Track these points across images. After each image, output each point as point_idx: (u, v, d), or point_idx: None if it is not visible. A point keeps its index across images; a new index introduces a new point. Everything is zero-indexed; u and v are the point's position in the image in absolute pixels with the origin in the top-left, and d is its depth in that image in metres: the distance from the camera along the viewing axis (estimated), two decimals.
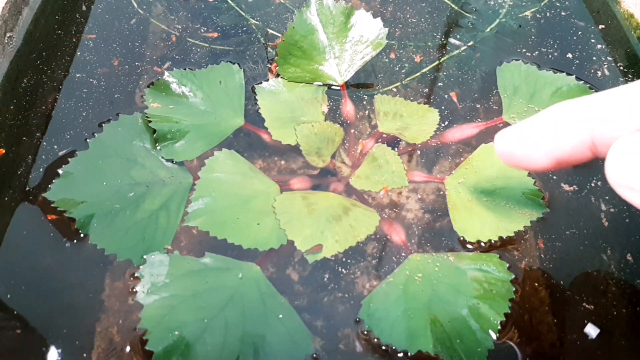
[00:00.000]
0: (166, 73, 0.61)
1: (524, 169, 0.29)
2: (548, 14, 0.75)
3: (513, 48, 0.70)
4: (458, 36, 0.72)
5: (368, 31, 0.64)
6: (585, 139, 0.25)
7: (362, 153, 0.59)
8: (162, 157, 0.55)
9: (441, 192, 0.57)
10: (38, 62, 0.66)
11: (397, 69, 0.68)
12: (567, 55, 0.69)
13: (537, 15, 0.74)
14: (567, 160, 0.26)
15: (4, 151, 0.54)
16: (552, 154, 0.26)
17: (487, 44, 0.71)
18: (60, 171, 0.52)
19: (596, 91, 0.62)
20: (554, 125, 0.26)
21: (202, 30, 0.71)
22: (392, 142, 0.60)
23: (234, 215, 0.50)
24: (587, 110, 0.25)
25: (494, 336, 0.45)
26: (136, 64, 0.67)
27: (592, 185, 0.57)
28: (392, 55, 0.69)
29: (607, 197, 0.56)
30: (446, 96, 0.65)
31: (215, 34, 0.68)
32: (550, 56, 0.69)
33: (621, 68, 0.68)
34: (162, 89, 0.60)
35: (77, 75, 0.65)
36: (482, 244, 0.52)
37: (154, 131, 0.55)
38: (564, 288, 0.50)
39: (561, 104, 0.26)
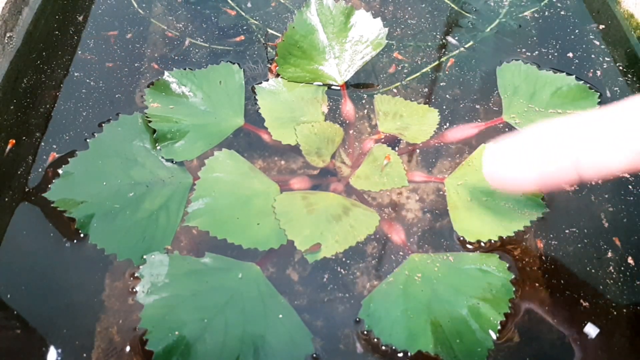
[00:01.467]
0: (166, 73, 0.61)
1: (513, 191, 0.31)
2: (548, 14, 0.75)
3: (513, 48, 0.70)
4: (457, 37, 0.72)
5: (368, 31, 0.64)
6: (569, 165, 0.25)
7: (362, 153, 0.59)
8: (162, 157, 0.55)
9: (441, 192, 0.57)
10: (38, 62, 0.66)
11: (397, 69, 0.68)
12: (567, 55, 0.69)
13: (537, 15, 0.74)
14: (554, 184, 0.27)
15: (14, 142, 0.54)
16: (541, 178, 0.27)
17: (487, 44, 0.71)
18: (60, 171, 0.52)
19: (596, 91, 0.62)
20: (540, 150, 0.27)
21: (226, 35, 0.71)
22: (392, 142, 0.60)
23: (234, 215, 0.50)
24: (571, 136, 0.26)
25: (494, 336, 0.45)
26: (136, 64, 0.67)
27: (593, 184, 0.57)
28: (397, 56, 0.69)
29: (607, 197, 0.56)
30: (447, 96, 0.65)
31: (242, 37, 0.68)
32: (550, 56, 0.69)
33: (621, 68, 0.68)
34: (162, 89, 0.60)
35: (77, 75, 0.65)
36: (482, 244, 0.52)
37: (154, 131, 0.55)
38: (564, 288, 0.50)
39: (544, 126, 0.27)
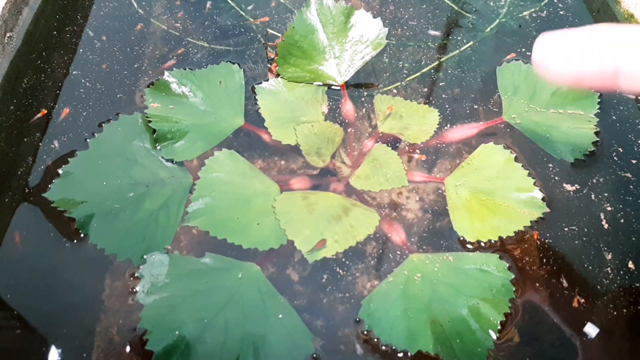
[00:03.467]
0: (166, 73, 0.61)
1: (555, 82, 0.31)
2: (548, 14, 0.75)
3: (513, 48, 0.70)
4: (458, 37, 0.72)
5: (368, 31, 0.64)
6: (611, 69, 0.26)
7: (362, 153, 0.59)
8: (162, 157, 0.55)
9: (441, 192, 0.57)
10: (38, 62, 0.66)
11: (397, 68, 0.68)
12: None
13: (537, 15, 0.74)
14: (591, 83, 0.28)
15: (45, 112, 0.54)
16: (580, 75, 0.27)
17: (487, 44, 0.71)
18: (60, 171, 0.52)
19: (596, 91, 0.62)
20: (589, 47, 0.27)
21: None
22: (392, 142, 0.60)
23: (233, 215, 0.50)
24: (618, 41, 0.26)
25: (494, 336, 0.45)
26: (136, 64, 0.67)
27: (593, 184, 0.57)
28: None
29: (607, 197, 0.56)
30: (447, 96, 0.65)
31: (267, 18, 0.68)
32: None
33: None
34: (162, 89, 0.60)
35: (77, 75, 0.65)
36: (482, 244, 0.52)
37: (154, 131, 0.55)
38: (564, 288, 0.50)
39: (600, 28, 0.27)
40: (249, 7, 0.74)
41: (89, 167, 0.53)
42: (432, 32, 0.73)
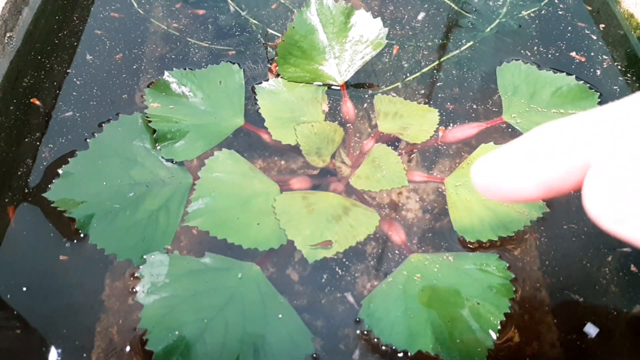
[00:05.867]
0: (166, 73, 0.61)
1: (508, 202, 0.26)
2: (548, 14, 0.75)
3: (513, 48, 0.70)
4: (458, 37, 0.72)
5: (368, 31, 0.64)
6: (579, 164, 0.22)
7: (362, 153, 0.59)
8: (162, 157, 0.55)
9: (441, 192, 0.57)
10: (38, 62, 0.66)
11: (397, 68, 0.68)
12: (567, 55, 0.69)
13: (537, 15, 0.74)
14: (560, 189, 0.25)
15: (36, 100, 0.53)
16: (544, 183, 0.24)
17: (487, 44, 0.71)
18: (60, 171, 0.52)
19: (596, 91, 0.62)
20: (544, 150, 0.24)
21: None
22: (392, 142, 0.60)
23: (234, 215, 0.50)
24: (581, 134, 0.23)
25: (494, 336, 0.45)
26: (136, 64, 0.67)
27: None
28: (395, 51, 0.69)
29: None
30: (447, 96, 0.65)
31: (276, 5, 0.67)
32: (550, 56, 0.69)
33: (621, 68, 0.68)
34: (162, 89, 0.60)
35: (77, 75, 0.65)
36: (482, 244, 0.52)
37: (154, 131, 0.55)
38: (564, 288, 0.50)
39: (545, 127, 0.25)
40: (249, 7, 0.74)
41: (89, 167, 0.53)
42: (432, 32, 0.73)
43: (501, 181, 0.24)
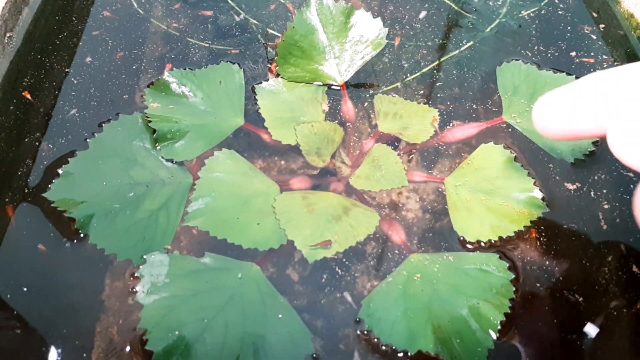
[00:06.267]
0: (166, 73, 0.61)
1: (566, 139, 0.30)
2: (548, 14, 0.75)
3: (513, 48, 0.70)
4: (458, 37, 0.72)
5: (368, 31, 0.64)
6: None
7: (362, 153, 0.59)
8: (162, 157, 0.55)
9: (441, 192, 0.57)
10: (38, 62, 0.66)
11: (397, 68, 0.68)
12: (567, 55, 0.69)
13: (537, 15, 0.74)
14: (589, 137, 0.27)
15: (28, 93, 0.53)
16: (598, 123, 0.26)
17: (487, 44, 0.71)
18: (60, 171, 0.52)
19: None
20: (597, 94, 0.26)
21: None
22: (392, 142, 0.60)
23: (234, 215, 0.50)
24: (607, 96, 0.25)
25: (494, 336, 0.45)
26: (136, 64, 0.67)
27: (593, 184, 0.57)
28: (397, 42, 0.69)
29: (607, 197, 0.56)
30: (447, 96, 0.65)
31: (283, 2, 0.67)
32: (550, 56, 0.69)
33: None
34: (162, 89, 0.60)
35: (77, 75, 0.65)
36: (482, 244, 0.52)
37: (154, 131, 0.55)
38: (564, 288, 0.50)
39: (597, 74, 0.26)
40: (249, 7, 0.74)
41: (89, 167, 0.53)
42: (432, 32, 0.73)
43: (560, 121, 0.27)
